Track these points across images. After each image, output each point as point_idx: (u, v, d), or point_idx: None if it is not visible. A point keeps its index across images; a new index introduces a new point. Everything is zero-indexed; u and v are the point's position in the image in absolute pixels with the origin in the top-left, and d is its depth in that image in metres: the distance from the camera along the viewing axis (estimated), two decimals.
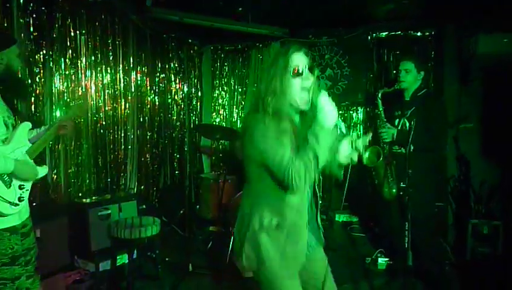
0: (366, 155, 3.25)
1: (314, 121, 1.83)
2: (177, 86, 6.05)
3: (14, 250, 2.27)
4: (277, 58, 1.91)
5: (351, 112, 5.84)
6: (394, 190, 3.56)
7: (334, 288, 2.13)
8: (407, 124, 3.43)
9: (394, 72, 5.50)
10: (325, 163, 1.83)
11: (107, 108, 4.58)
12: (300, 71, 1.88)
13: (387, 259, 4.05)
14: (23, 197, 2.30)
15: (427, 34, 5.26)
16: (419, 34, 5.31)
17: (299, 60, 1.89)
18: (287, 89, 1.87)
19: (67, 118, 2.65)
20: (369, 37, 5.56)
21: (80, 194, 4.16)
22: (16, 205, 2.25)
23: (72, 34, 4.05)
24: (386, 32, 5.47)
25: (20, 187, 2.29)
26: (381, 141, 3.60)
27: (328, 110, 1.81)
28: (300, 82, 1.89)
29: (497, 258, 4.07)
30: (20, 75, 2.33)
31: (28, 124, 2.42)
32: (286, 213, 1.90)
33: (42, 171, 2.45)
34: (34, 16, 3.60)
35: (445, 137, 3.67)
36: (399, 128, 3.54)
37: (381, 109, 3.63)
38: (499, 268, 3.92)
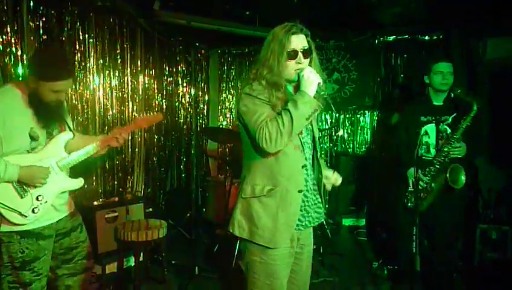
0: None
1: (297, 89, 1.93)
2: (184, 89, 6.08)
3: (24, 254, 2.21)
4: (278, 35, 1.94)
5: (358, 116, 5.84)
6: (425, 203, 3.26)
7: (308, 276, 2.20)
8: (448, 130, 3.20)
9: (402, 75, 5.49)
10: (300, 129, 1.91)
11: (114, 110, 4.60)
12: (295, 55, 1.93)
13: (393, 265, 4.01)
14: (37, 209, 2.24)
15: (435, 38, 5.25)
16: (426, 38, 5.30)
17: (297, 42, 1.94)
18: (282, 69, 1.93)
19: (135, 127, 2.67)
20: (376, 41, 5.56)
21: (87, 197, 4.18)
22: (26, 216, 2.20)
23: (81, 37, 4.08)
24: (394, 36, 5.47)
25: (38, 198, 2.25)
26: (445, 157, 3.15)
27: (308, 79, 1.87)
28: (294, 64, 1.94)
29: (505, 263, 4.03)
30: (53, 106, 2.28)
31: (67, 135, 2.39)
32: (278, 180, 1.95)
33: (73, 184, 2.44)
34: (44, 19, 3.63)
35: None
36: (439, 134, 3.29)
37: (467, 124, 3.07)
38: (508, 273, 3.88)
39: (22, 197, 2.19)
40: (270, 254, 1.95)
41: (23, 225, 2.21)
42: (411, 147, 3.29)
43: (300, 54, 1.93)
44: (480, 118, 3.18)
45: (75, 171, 2.50)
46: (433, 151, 3.28)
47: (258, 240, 1.95)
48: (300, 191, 1.98)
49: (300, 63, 1.93)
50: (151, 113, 2.76)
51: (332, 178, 2.17)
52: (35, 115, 2.22)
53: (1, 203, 2.13)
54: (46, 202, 2.28)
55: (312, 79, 1.87)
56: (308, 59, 1.97)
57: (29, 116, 2.21)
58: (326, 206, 2.23)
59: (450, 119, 3.21)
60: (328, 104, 1.96)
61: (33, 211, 2.22)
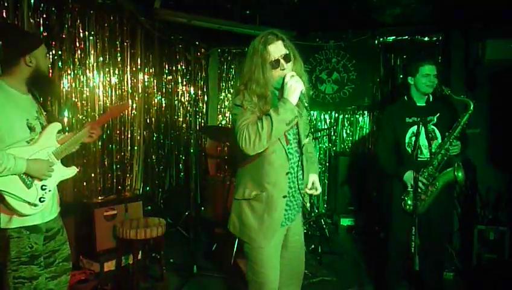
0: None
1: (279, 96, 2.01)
2: (184, 87, 6.08)
3: (33, 249, 2.26)
4: (257, 49, 2.03)
5: (357, 116, 5.85)
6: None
7: (302, 262, 2.39)
8: (436, 130, 3.24)
9: (401, 76, 5.50)
10: (280, 134, 2.00)
11: None
12: (277, 64, 2.01)
13: None
14: (44, 198, 2.30)
15: (434, 39, 5.27)
16: (426, 39, 5.32)
17: (276, 50, 2.02)
18: (269, 79, 2.02)
19: (106, 118, 2.82)
20: (376, 42, 5.57)
21: (86, 194, 4.18)
22: (35, 205, 2.25)
23: (81, 34, 4.08)
24: (393, 37, 5.49)
25: (42, 188, 2.30)
26: (444, 155, 3.15)
27: (291, 87, 1.93)
28: (279, 72, 2.02)
29: (503, 264, 4.04)
30: (49, 74, 2.36)
31: (57, 125, 2.42)
32: (264, 186, 2.12)
33: (69, 172, 2.49)
34: (44, 16, 3.62)
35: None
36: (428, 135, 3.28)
37: (465, 121, 3.10)
38: (505, 274, 3.89)
39: (28, 188, 2.23)
40: (260, 247, 2.14)
41: (32, 215, 2.25)
42: (400, 147, 3.31)
43: (282, 61, 2.01)
44: (456, 117, 3.22)
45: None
46: (425, 152, 3.25)
47: (244, 238, 2.19)
48: (284, 197, 2.15)
49: (284, 69, 2.01)
50: (121, 102, 2.89)
51: (312, 188, 2.37)
52: (41, 90, 2.41)
53: (12, 194, 2.16)
54: (50, 191, 2.35)
55: (295, 87, 1.93)
56: (291, 62, 2.05)
57: (23, 109, 2.28)
58: (309, 204, 2.43)
59: (435, 119, 3.24)
60: (307, 109, 2.06)
61: (40, 200, 2.28)
